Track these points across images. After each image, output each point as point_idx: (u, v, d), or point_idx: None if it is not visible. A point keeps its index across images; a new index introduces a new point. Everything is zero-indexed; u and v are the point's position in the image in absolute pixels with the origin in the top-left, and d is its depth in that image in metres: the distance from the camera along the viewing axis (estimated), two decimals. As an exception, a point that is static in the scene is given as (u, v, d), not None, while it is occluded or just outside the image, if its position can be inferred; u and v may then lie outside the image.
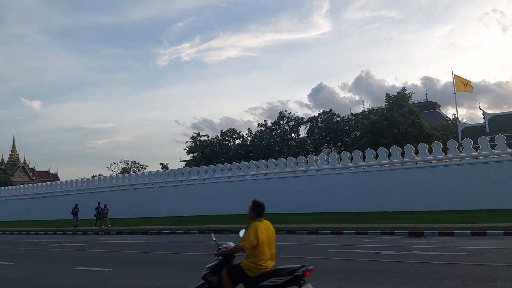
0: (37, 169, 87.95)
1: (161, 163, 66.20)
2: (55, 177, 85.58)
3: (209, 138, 56.15)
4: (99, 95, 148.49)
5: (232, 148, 53.93)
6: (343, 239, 16.52)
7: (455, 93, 41.32)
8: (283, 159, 32.82)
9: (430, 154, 26.81)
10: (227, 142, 54.91)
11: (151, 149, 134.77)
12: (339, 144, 48.40)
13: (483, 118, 42.48)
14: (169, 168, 51.07)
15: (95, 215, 30.28)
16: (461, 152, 26.30)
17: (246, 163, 34.74)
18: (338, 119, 49.25)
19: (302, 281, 5.03)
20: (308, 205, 28.72)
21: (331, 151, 41.53)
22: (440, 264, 9.62)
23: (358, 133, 44.78)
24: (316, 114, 51.70)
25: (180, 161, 65.35)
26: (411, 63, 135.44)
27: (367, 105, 75.69)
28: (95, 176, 53.35)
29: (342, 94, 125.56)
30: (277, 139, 50.17)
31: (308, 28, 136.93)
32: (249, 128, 57.57)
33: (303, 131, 51.80)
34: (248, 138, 54.12)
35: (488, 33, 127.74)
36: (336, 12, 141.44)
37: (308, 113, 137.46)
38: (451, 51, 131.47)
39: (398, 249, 12.25)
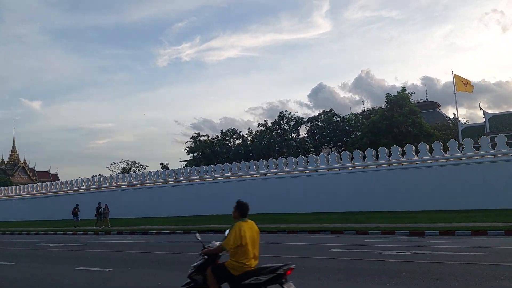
0: (37, 169, 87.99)
1: (161, 163, 66.30)
2: (55, 177, 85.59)
3: (209, 138, 56.19)
4: (99, 95, 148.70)
5: (232, 148, 53.93)
6: (344, 239, 16.49)
7: (455, 93, 41.31)
8: (284, 159, 32.80)
9: (431, 154, 26.78)
10: (227, 142, 54.92)
11: (151, 149, 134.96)
12: (340, 144, 48.41)
13: (484, 117, 42.46)
14: (169, 168, 51.09)
15: (95, 215, 30.25)
16: (461, 151, 26.27)
17: (246, 163, 34.72)
18: (338, 119, 49.26)
19: (284, 279, 5.15)
20: (309, 205, 28.68)
21: (332, 151, 41.53)
22: (442, 264, 9.59)
23: (358, 133, 44.75)
24: (316, 114, 51.78)
25: (180, 161, 65.45)
26: (411, 63, 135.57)
27: (367, 105, 75.79)
28: (95, 176, 53.34)
29: (342, 94, 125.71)
30: (277, 139, 50.18)
31: (308, 28, 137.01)
32: (249, 128, 57.67)
33: (303, 131, 51.88)
34: (248, 138, 54.14)
35: (488, 33, 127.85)
36: (336, 12, 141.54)
37: (308, 113, 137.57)
38: (451, 51, 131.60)
39: (399, 249, 12.23)
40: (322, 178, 29.66)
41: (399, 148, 28.00)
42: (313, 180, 29.92)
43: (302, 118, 51.71)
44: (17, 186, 51.67)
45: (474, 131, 39.89)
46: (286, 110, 51.85)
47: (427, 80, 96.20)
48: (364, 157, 28.87)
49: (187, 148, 55.77)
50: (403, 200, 25.73)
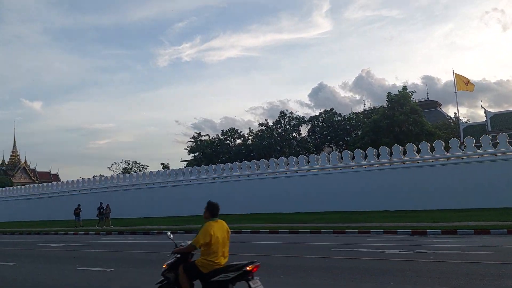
0: (38, 169, 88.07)
1: (162, 163, 66.37)
2: (56, 177, 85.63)
3: (210, 138, 56.14)
4: (100, 96, 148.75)
5: (233, 148, 53.89)
6: (346, 238, 16.43)
7: (455, 92, 41.25)
8: (285, 159, 32.76)
9: (432, 153, 26.73)
10: (228, 141, 54.88)
11: (152, 149, 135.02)
12: (341, 143, 48.35)
13: (485, 116, 42.40)
14: (170, 168, 51.05)
15: (97, 215, 30.22)
16: (463, 150, 26.21)
17: (247, 162, 34.67)
18: (339, 118, 49.16)
19: (250, 276, 5.34)
20: (310, 205, 28.64)
21: (333, 150, 41.49)
22: (445, 263, 9.53)
23: (359, 132, 44.68)
24: (317, 114, 51.69)
25: (181, 161, 65.38)
26: (411, 62, 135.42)
27: (368, 105, 75.72)
28: (96, 176, 53.37)
29: (342, 93, 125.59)
30: (278, 138, 50.12)
31: (309, 27, 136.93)
32: (250, 128, 57.55)
33: (304, 131, 51.77)
34: (249, 137, 54.08)
35: (489, 32, 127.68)
36: (337, 11, 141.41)
37: (309, 112, 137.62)
38: (452, 50, 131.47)
39: (401, 248, 12.17)
40: (323, 177, 29.61)
41: (400, 147, 27.95)
42: (314, 179, 29.88)
43: (303, 117, 51.69)
44: (18, 187, 51.72)
45: (475, 130, 39.79)
46: (287, 110, 51.84)
47: (427, 79, 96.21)
48: (365, 157, 28.82)
49: (188, 148, 55.77)
50: (405, 199, 25.68)
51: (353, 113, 51.09)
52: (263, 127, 52.14)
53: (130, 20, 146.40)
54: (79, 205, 31.77)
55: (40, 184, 49.69)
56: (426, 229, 16.97)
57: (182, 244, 6.00)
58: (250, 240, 17.45)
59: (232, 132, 55.21)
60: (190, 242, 5.71)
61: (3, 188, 51.90)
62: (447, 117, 54.00)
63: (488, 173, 24.29)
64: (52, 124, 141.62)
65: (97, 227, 28.98)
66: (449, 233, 16.05)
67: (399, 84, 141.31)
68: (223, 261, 5.54)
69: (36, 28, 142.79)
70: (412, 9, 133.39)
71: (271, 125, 51.77)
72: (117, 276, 10.03)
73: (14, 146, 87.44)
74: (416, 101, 44.49)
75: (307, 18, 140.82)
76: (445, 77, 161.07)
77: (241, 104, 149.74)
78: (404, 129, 37.38)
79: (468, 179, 24.61)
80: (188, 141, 57.26)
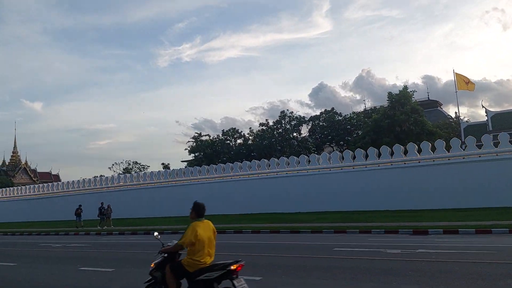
0: (38, 170, 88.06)
1: (162, 163, 66.36)
2: (56, 178, 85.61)
3: (211, 138, 56.10)
4: (100, 96, 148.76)
5: (234, 148, 53.86)
6: (347, 238, 16.41)
7: (456, 92, 41.21)
8: (285, 159, 32.73)
9: (433, 153, 26.70)
10: (228, 141, 54.84)
11: (152, 150, 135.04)
12: (341, 143, 48.29)
13: (486, 116, 42.36)
14: (171, 168, 51.04)
15: (98, 215, 30.19)
16: (464, 150, 26.18)
17: (248, 162, 34.65)
18: (340, 118, 49.09)
19: (235, 275, 5.44)
20: (311, 205, 28.61)
21: (333, 150, 41.45)
22: (447, 262, 9.50)
23: (360, 132, 44.63)
24: (318, 113, 51.64)
25: (182, 161, 65.34)
26: (412, 62, 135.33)
27: (368, 104, 75.69)
28: (97, 176, 53.35)
29: (343, 93, 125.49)
30: (279, 138, 50.07)
31: (309, 27, 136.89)
32: (250, 128, 57.53)
33: (304, 130, 51.71)
34: (250, 137, 54.03)
35: (489, 31, 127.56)
36: (337, 11, 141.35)
37: (309, 112, 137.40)
38: (452, 50, 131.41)
39: (403, 248, 12.14)
40: (324, 177, 29.58)
41: (401, 146, 27.92)
42: (315, 179, 29.85)
43: (304, 117, 51.59)
44: (19, 187, 51.71)
45: (476, 130, 39.74)
46: (287, 110, 51.78)
47: (428, 79, 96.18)
48: (366, 156, 28.79)
49: (189, 148, 55.73)
50: (406, 199, 25.64)
51: (353, 112, 51.02)
52: (264, 127, 52.09)
53: (130, 20, 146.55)
54: (80, 205, 31.73)
55: (41, 185, 49.67)
56: (427, 228, 16.94)
57: (169, 244, 6.11)
58: (251, 240, 17.44)
59: (233, 132, 55.17)
60: (176, 242, 5.82)
61: (4, 189, 51.91)
62: (447, 117, 53.94)
63: (489, 173, 24.25)
64: (53, 125, 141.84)
65: (99, 227, 28.95)
66: (451, 233, 16.02)
67: (400, 84, 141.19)
68: (208, 260, 5.62)
69: (36, 29, 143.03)
70: (412, 9, 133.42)
71: (272, 125, 51.72)
72: (118, 276, 10.01)
73: (15, 147, 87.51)
74: (417, 100, 44.46)
75: (307, 18, 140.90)
76: (445, 76, 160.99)
77: (241, 104, 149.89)
78: (405, 129, 37.34)
79: (469, 178, 24.57)
80: (189, 141, 57.29)
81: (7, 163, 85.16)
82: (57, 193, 44.62)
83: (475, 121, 49.24)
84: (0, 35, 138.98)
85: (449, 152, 26.27)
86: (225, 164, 36.98)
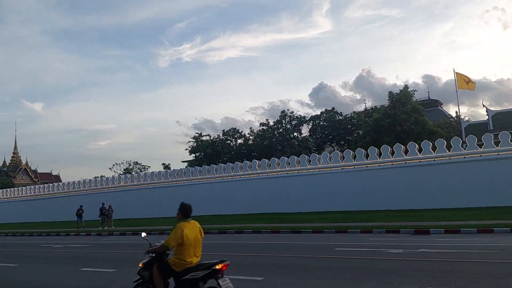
0: (39, 170, 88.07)
1: (163, 164, 66.29)
2: (57, 178, 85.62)
3: (211, 138, 56.07)
4: (100, 96, 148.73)
5: (234, 148, 53.82)
6: (348, 237, 16.39)
7: (456, 91, 41.14)
8: (286, 158, 32.69)
9: (434, 152, 26.65)
10: (229, 141, 54.81)
11: (153, 150, 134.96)
12: (342, 142, 48.24)
13: (487, 115, 42.30)
14: (171, 169, 51.03)
15: (99, 216, 30.19)
16: (465, 149, 26.12)
17: (248, 162, 34.61)
18: (340, 117, 49.05)
19: (220, 274, 5.58)
20: (312, 204, 28.57)
21: (334, 150, 41.39)
22: (449, 262, 9.48)
23: (361, 132, 44.58)
24: (318, 113, 51.60)
25: (182, 161, 65.32)
26: (412, 62, 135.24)
27: (368, 104, 75.59)
28: (98, 177, 53.35)
29: (343, 93, 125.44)
30: (279, 138, 50.05)
31: (309, 27, 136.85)
32: (251, 128, 57.49)
33: (305, 130, 51.66)
34: (250, 137, 54.00)
35: (489, 30, 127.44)
36: (337, 11, 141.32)
37: (309, 112, 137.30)
38: (452, 49, 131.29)
39: (405, 247, 12.11)
40: (325, 177, 29.53)
41: (402, 146, 27.87)
42: (316, 179, 29.81)
43: (304, 117, 51.53)
44: (19, 188, 51.67)
45: (477, 129, 39.67)
46: (288, 109, 51.77)
47: (428, 78, 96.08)
48: (367, 156, 28.74)
49: (189, 148, 55.71)
50: (407, 199, 25.59)
51: (354, 112, 50.99)
52: (264, 127, 52.05)
53: (130, 21, 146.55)
54: (81, 206, 31.74)
55: (42, 185, 49.66)
56: (429, 228, 16.91)
57: (156, 244, 6.21)
58: (251, 240, 17.42)
59: (233, 132, 55.13)
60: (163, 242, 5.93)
61: (4, 190, 51.92)
62: (448, 116, 53.87)
63: (490, 172, 24.19)
64: (53, 125, 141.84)
65: (100, 228, 28.94)
66: (452, 232, 16.00)
67: (400, 83, 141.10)
68: (195, 260, 5.73)
69: (36, 29, 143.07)
70: (412, 8, 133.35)
71: (272, 125, 51.67)
72: (119, 276, 9.98)
73: (15, 148, 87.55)
74: (417, 100, 44.41)
75: (307, 18, 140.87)
76: (445, 76, 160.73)
77: (242, 104, 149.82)
78: (405, 128, 37.29)
79: (470, 178, 24.52)
80: (189, 141, 57.29)
81: (7, 164, 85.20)
82: (58, 193, 44.60)
83: (476, 120, 49.17)
84: (0, 36, 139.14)
85: (450, 151, 26.21)
86: (225, 164, 36.94)
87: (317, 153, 35.81)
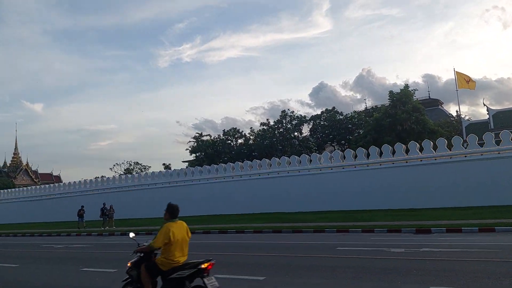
0: (39, 171, 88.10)
1: (163, 164, 66.33)
2: (57, 179, 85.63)
3: (212, 138, 56.04)
4: (100, 97, 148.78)
5: (235, 148, 53.78)
6: (350, 237, 16.36)
7: (457, 90, 41.13)
8: (286, 158, 32.66)
9: (435, 151, 26.61)
10: (229, 141, 54.77)
11: (153, 150, 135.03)
12: (343, 142, 48.18)
13: (488, 114, 42.21)
14: (172, 169, 51.01)
15: (100, 216, 30.17)
16: (466, 148, 26.09)
17: (249, 162, 34.59)
18: (341, 117, 49.00)
19: (206, 273, 5.69)
20: (312, 204, 28.55)
21: (335, 149, 41.33)
22: (452, 261, 9.45)
23: (361, 131, 44.54)
24: (318, 113, 51.55)
25: (183, 161, 65.33)
26: (412, 61, 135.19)
27: (369, 104, 75.51)
28: (98, 177, 53.34)
29: (343, 92, 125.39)
30: (280, 138, 50.02)
31: (309, 27, 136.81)
32: (251, 128, 57.44)
33: (306, 130, 51.62)
34: (251, 137, 53.97)
35: (489, 30, 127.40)
36: (337, 11, 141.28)
37: (310, 112, 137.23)
38: (452, 49, 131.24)
39: (407, 247, 12.08)
40: (326, 176, 29.51)
41: (403, 145, 27.85)
42: (317, 179, 29.79)
43: (305, 116, 51.49)
44: (20, 189, 51.70)
45: (477, 128, 39.61)
46: (288, 109, 51.71)
47: (428, 78, 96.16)
48: (368, 155, 28.72)
49: (190, 148, 55.68)
50: (408, 198, 25.57)
51: (355, 111, 50.92)
52: (265, 127, 52.03)
53: (130, 21, 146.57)
54: (82, 206, 31.74)
55: (42, 186, 49.68)
56: (430, 227, 16.87)
57: (144, 244, 6.30)
58: (253, 240, 17.39)
59: (234, 132, 55.10)
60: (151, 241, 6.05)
61: (5, 190, 51.94)
62: (448, 115, 53.81)
63: (491, 171, 24.16)
64: (53, 126, 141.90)
65: (102, 228, 28.92)
66: (454, 231, 15.97)
67: (400, 83, 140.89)
68: (182, 259, 5.83)
69: (36, 29, 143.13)
70: (412, 8, 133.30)
71: (273, 125, 51.64)
72: (120, 277, 9.87)
73: (16, 148, 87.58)
74: (418, 99, 44.36)
75: (307, 17, 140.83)
76: (445, 75, 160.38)
77: (242, 104, 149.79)
78: (406, 128, 37.24)
79: (471, 177, 24.49)
80: (190, 141, 57.27)
81: (8, 165, 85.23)
82: (59, 194, 44.59)
83: (476, 119, 49.10)
84: (0, 36, 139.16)
85: (451, 150, 26.19)
86: (226, 164, 36.93)
87: (317, 153, 35.77)
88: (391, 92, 40.73)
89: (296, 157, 32.45)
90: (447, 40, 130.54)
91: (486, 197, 23.39)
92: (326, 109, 50.88)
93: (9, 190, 52.06)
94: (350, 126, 48.08)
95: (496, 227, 15.65)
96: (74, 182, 44.83)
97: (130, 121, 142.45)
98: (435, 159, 26.27)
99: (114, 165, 72.20)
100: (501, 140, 24.91)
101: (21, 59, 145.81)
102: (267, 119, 55.43)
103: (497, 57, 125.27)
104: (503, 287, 6.91)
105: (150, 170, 61.73)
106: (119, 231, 25.90)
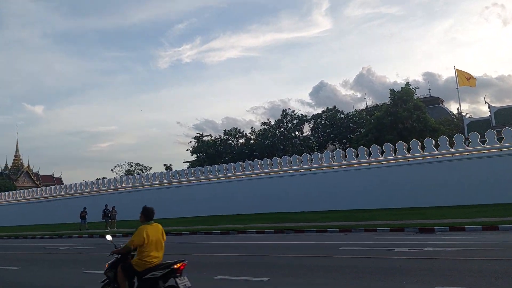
0: (41, 173, 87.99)
1: (164, 164, 66.21)
2: (59, 181, 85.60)
3: (213, 138, 55.98)
4: (101, 98, 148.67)
5: (236, 148, 53.70)
6: (353, 236, 16.28)
7: (457, 88, 40.99)
8: (288, 158, 32.60)
9: (437, 149, 26.52)
10: (230, 141, 54.70)
11: (154, 151, 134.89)
12: (344, 141, 48.05)
13: (489, 111, 42.09)
14: (173, 169, 50.97)
15: (102, 218, 30.10)
16: (468, 146, 26.01)
17: (250, 162, 34.54)
18: (342, 116, 48.90)
19: (179, 273, 5.85)
20: (314, 204, 28.47)
21: (336, 148, 41.25)
22: (456, 260, 9.37)
23: (362, 130, 44.44)
24: (319, 112, 51.45)
25: (184, 162, 65.23)
26: (412, 59, 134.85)
27: (369, 102, 75.34)
28: (99, 179, 53.32)
29: (343, 91, 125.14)
30: (281, 137, 49.94)
31: (309, 26, 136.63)
32: (252, 127, 57.37)
33: (307, 129, 51.52)
34: (252, 137, 53.89)
35: (489, 27, 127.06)
36: (336, 10, 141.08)
37: (310, 111, 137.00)
38: (452, 46, 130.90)
39: (410, 246, 12.00)
40: (327, 175, 29.44)
41: (404, 144, 27.77)
42: (318, 178, 29.71)
43: (306, 116, 51.36)
44: (22, 191, 51.66)
45: (479, 125, 39.47)
46: (289, 108, 51.59)
47: (428, 76, 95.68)
48: (369, 154, 28.63)
49: (191, 149, 55.61)
50: (410, 197, 25.49)
51: (356, 110, 50.82)
52: (266, 126, 51.94)
53: (130, 22, 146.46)
54: (85, 208, 31.67)
55: (44, 188, 49.65)
56: (433, 226, 16.79)
57: (121, 245, 6.44)
58: (255, 240, 17.32)
59: (235, 132, 55.02)
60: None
61: (7, 192, 51.94)
62: (449, 113, 53.68)
63: (493, 169, 24.07)
64: (54, 128, 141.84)
65: (108, 229, 28.87)
66: (457, 230, 15.88)
67: (400, 81, 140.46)
68: (156, 260, 5.98)
69: (36, 32, 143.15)
70: (411, 6, 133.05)
71: (274, 124, 51.56)
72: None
73: (17, 150, 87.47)
74: (419, 97, 44.24)
75: (307, 17, 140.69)
76: (446, 73, 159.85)
77: (242, 104, 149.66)
78: (407, 126, 37.13)
79: (474, 175, 24.41)
80: (191, 142, 57.22)
81: (9, 167, 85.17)
82: (60, 196, 44.60)
83: (477, 117, 48.95)
84: (1, 39, 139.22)
85: (452, 148, 26.10)
86: (227, 164, 36.88)
87: (319, 152, 35.67)
88: (392, 90, 40.64)
89: (297, 156, 32.39)
90: (447, 37, 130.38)
91: (489, 195, 23.30)
92: (327, 108, 50.78)
93: (11, 192, 52.06)
94: (351, 125, 47.96)
95: (500, 225, 15.57)
96: (76, 184, 44.82)
97: (131, 122, 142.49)
98: (437, 157, 26.17)
99: (115, 167, 72.17)
100: (503, 137, 24.82)
101: (22, 61, 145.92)
102: (268, 119, 55.42)
103: (497, 55, 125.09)
104: (509, 286, 6.83)
105: (151, 171, 61.73)
106: (121, 233, 25.82)
